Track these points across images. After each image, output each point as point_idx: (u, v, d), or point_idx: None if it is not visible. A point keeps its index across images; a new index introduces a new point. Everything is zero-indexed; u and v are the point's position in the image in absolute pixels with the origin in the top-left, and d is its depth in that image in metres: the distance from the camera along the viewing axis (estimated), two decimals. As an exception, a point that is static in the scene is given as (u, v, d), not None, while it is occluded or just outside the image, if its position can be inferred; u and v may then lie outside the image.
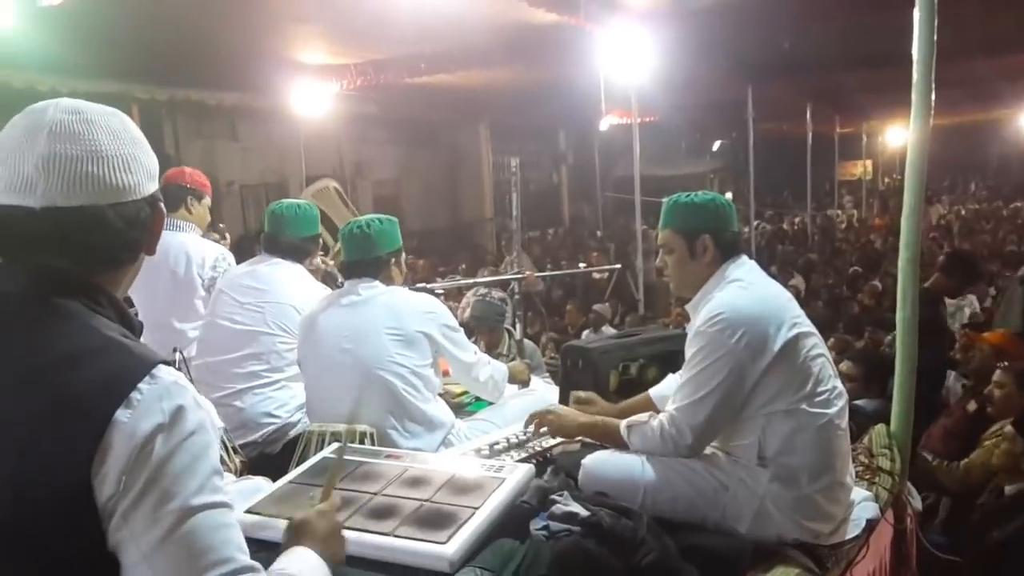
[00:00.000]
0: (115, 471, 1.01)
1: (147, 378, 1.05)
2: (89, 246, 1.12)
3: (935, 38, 2.72)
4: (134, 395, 1.03)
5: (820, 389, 2.27)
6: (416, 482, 2.07)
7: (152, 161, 1.20)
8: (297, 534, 1.38)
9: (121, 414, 1.02)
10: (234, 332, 3.18)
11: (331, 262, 4.22)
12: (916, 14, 2.74)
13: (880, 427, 2.99)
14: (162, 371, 1.07)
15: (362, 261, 2.88)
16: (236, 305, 3.21)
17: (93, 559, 1.03)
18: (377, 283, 2.86)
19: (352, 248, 2.90)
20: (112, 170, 1.12)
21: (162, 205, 1.23)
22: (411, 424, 2.76)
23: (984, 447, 3.52)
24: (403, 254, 3.04)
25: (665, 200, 2.51)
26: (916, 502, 3.01)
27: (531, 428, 2.69)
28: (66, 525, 1.01)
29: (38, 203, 1.08)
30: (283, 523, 1.44)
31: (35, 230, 1.09)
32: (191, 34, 7.21)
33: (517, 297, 4.25)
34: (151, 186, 1.19)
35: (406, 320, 2.78)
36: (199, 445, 1.06)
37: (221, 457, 2.59)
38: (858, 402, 3.95)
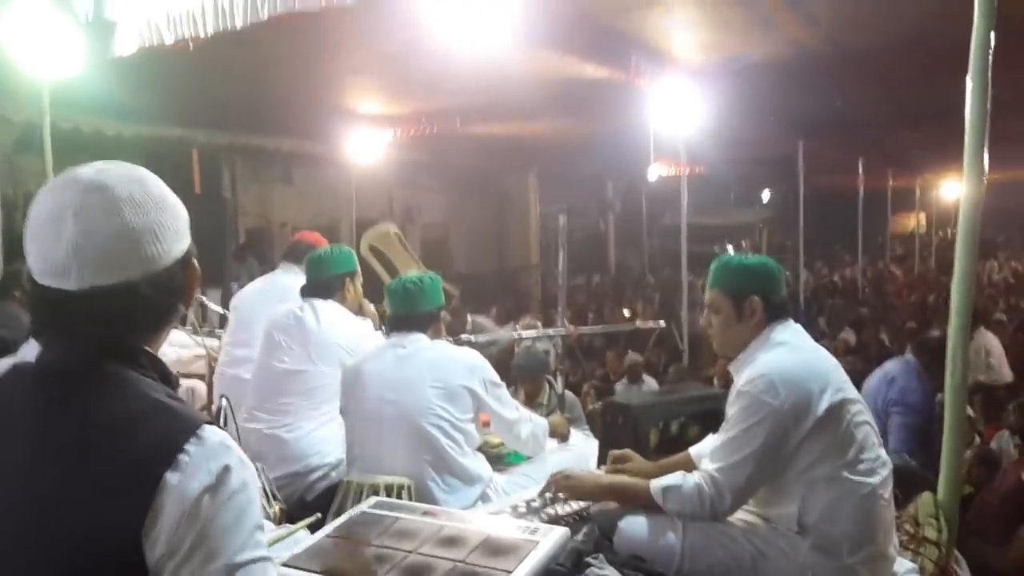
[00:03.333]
0: (166, 532, 1.04)
1: (193, 439, 1.09)
2: (130, 318, 1.16)
3: (988, 107, 2.70)
4: (182, 457, 1.07)
5: (863, 457, 2.23)
6: (451, 541, 2.08)
7: (179, 220, 1.21)
8: None
9: (171, 476, 1.05)
10: (282, 372, 3.29)
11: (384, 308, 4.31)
12: (968, 83, 2.73)
13: (927, 495, 2.91)
14: (207, 432, 1.11)
15: (410, 316, 2.95)
16: (282, 347, 3.30)
17: None
18: (423, 337, 2.92)
19: (399, 303, 2.98)
20: (140, 244, 1.14)
21: (195, 260, 1.24)
22: (450, 478, 2.78)
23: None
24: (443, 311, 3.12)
25: (714, 261, 2.52)
26: (964, 574, 2.92)
27: (551, 492, 2.63)
28: None
29: (73, 286, 1.12)
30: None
31: (76, 309, 1.13)
32: (251, 84, 7.45)
33: (558, 351, 4.27)
34: (181, 246, 1.20)
35: (450, 374, 2.82)
36: (243, 502, 1.09)
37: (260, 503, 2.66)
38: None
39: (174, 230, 1.19)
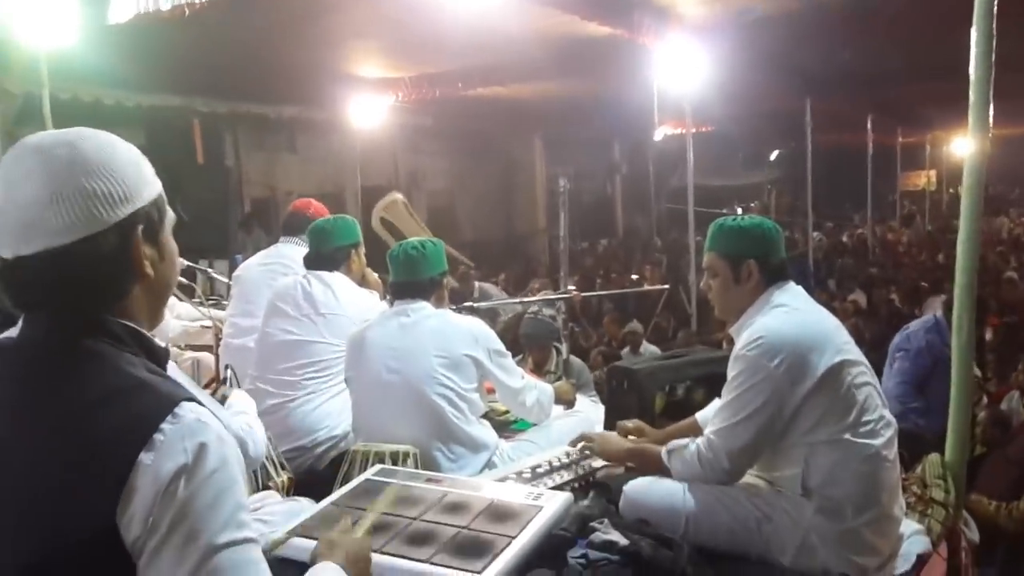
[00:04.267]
0: (141, 513, 1.03)
1: (169, 417, 1.06)
2: (67, 287, 1.12)
3: (993, 58, 2.65)
4: (157, 436, 1.05)
5: (865, 419, 2.22)
6: (455, 508, 2.08)
7: (118, 185, 1.14)
8: (326, 550, 1.41)
9: (144, 456, 1.03)
10: (289, 343, 3.26)
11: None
12: (973, 33, 2.67)
13: (934, 456, 2.90)
14: (184, 409, 1.08)
15: (412, 282, 2.92)
16: (290, 318, 3.28)
17: None
18: (427, 305, 2.90)
19: (401, 269, 2.94)
20: (59, 210, 1.10)
21: (141, 229, 1.16)
22: (456, 447, 2.78)
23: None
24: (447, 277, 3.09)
25: (711, 224, 2.49)
26: (973, 534, 2.91)
27: (575, 448, 2.71)
28: (96, 567, 1.04)
29: (8, 254, 1.11)
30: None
31: (17, 279, 1.12)
32: (252, 50, 7.39)
33: (563, 315, 4.26)
34: (118, 211, 1.14)
35: (454, 344, 2.81)
36: (223, 482, 1.07)
37: (268, 473, 2.67)
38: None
39: (107, 196, 1.12)
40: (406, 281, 2.93)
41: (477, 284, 8.78)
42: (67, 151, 1.13)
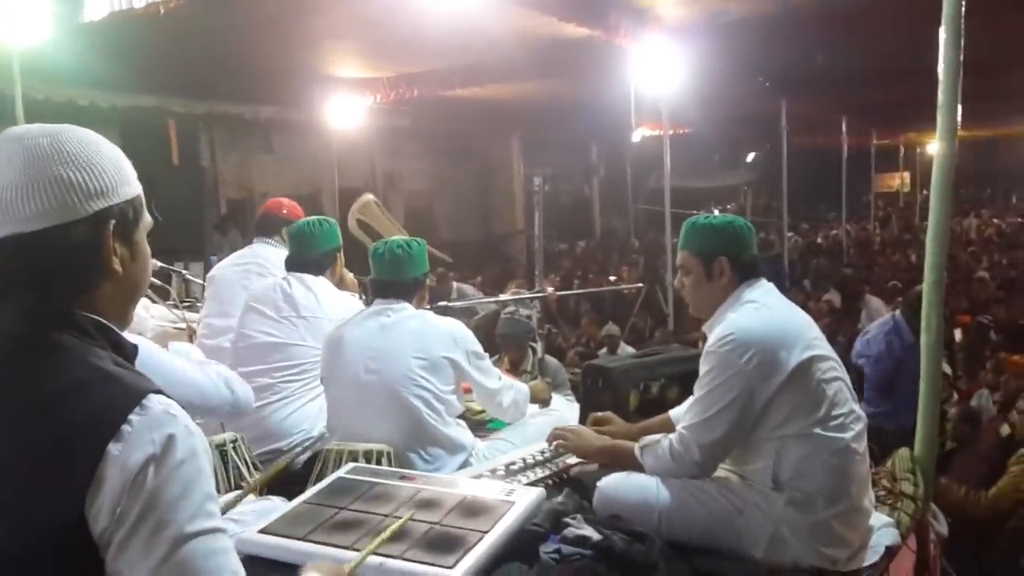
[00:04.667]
0: (109, 504, 1.02)
1: (137, 409, 1.06)
2: (33, 276, 1.12)
3: (961, 58, 2.68)
4: (125, 427, 1.04)
5: (835, 413, 2.24)
6: (427, 504, 2.08)
7: (97, 179, 1.15)
8: None
9: (113, 447, 1.03)
10: (268, 345, 3.23)
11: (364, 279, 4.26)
12: (942, 33, 2.70)
13: (904, 451, 2.94)
14: (152, 401, 1.08)
15: (395, 282, 2.90)
16: (270, 320, 3.26)
17: None
18: (407, 306, 2.88)
19: (384, 268, 2.91)
20: (32, 196, 1.10)
21: (113, 225, 1.17)
22: (433, 448, 2.78)
23: (1011, 474, 3.45)
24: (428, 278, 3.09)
25: (684, 222, 2.51)
26: (942, 527, 2.96)
27: (551, 446, 2.72)
28: (63, 557, 1.03)
29: None
30: (295, 543, 1.46)
31: None
32: (227, 50, 7.35)
33: (539, 315, 4.27)
34: (92, 204, 1.14)
35: (432, 345, 2.79)
36: (191, 472, 1.07)
37: (241, 473, 2.66)
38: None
39: (82, 187, 1.13)
40: (390, 280, 2.90)
41: (455, 284, 8.78)
42: (49, 141, 1.14)
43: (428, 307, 3.25)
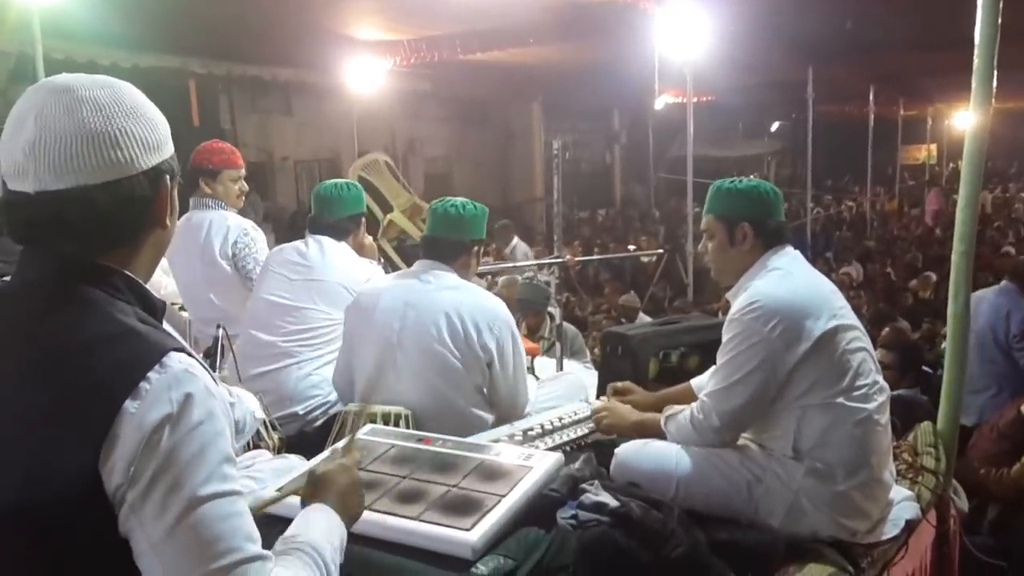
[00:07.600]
0: (123, 461, 1.02)
1: (157, 367, 1.05)
2: (86, 228, 1.11)
3: (999, 22, 2.61)
4: (143, 385, 1.03)
5: (859, 383, 2.21)
6: (445, 467, 2.07)
7: (152, 132, 1.15)
8: (317, 487, 1.39)
9: (129, 404, 1.02)
10: (282, 307, 3.22)
11: (384, 242, 4.21)
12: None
13: (926, 425, 2.92)
14: (173, 359, 1.07)
15: (445, 240, 2.77)
16: (284, 281, 3.24)
17: (103, 546, 1.04)
18: (451, 273, 2.77)
19: (436, 224, 2.80)
20: (98, 147, 1.09)
21: (168, 178, 1.18)
22: (455, 416, 2.74)
23: (1034, 450, 3.40)
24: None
25: (710, 186, 2.47)
26: (962, 503, 2.93)
27: (569, 412, 2.70)
28: (75, 512, 1.03)
29: (31, 188, 1.08)
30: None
31: (35, 216, 1.09)
32: (248, 10, 7.29)
33: (557, 281, 4.24)
34: (151, 159, 1.15)
35: (466, 319, 2.70)
36: (208, 434, 1.06)
37: (259, 433, 2.66)
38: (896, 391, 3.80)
39: (142, 140, 1.13)
40: (439, 238, 2.78)
41: (516, 240, 8.67)
42: (108, 92, 1.13)
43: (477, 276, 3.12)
